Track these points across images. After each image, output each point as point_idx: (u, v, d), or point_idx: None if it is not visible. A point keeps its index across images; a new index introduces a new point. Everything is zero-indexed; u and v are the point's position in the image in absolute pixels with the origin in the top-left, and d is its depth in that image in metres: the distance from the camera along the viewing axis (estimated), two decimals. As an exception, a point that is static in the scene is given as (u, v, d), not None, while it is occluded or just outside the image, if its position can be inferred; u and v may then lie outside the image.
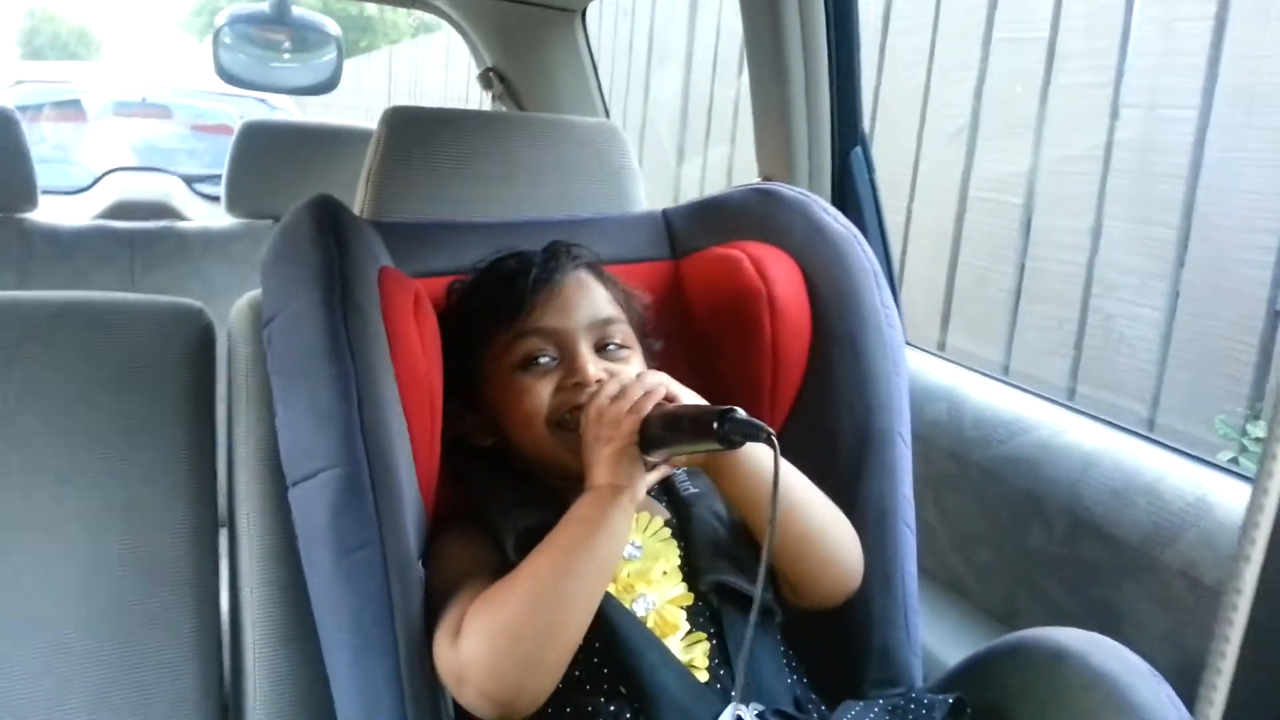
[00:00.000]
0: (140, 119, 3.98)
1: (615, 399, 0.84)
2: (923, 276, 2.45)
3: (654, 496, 0.96)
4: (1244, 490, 0.98)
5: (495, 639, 0.77)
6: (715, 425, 0.77)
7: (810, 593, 0.92)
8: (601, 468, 0.82)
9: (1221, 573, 0.93)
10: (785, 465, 0.90)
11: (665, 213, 1.19)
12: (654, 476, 0.85)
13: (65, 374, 0.96)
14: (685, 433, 0.81)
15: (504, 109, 2.02)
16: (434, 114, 1.11)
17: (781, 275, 1.05)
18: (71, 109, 3.90)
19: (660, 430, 0.81)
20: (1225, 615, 0.31)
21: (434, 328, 0.94)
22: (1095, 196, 2.06)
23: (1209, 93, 1.84)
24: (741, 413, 0.78)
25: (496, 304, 0.95)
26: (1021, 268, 2.23)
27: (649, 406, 0.82)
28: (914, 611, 0.99)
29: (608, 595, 0.85)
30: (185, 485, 0.98)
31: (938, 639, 1.18)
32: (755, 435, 0.77)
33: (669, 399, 0.84)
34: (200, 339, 1.01)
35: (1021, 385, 1.30)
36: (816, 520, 0.91)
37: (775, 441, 0.76)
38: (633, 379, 0.86)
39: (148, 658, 0.94)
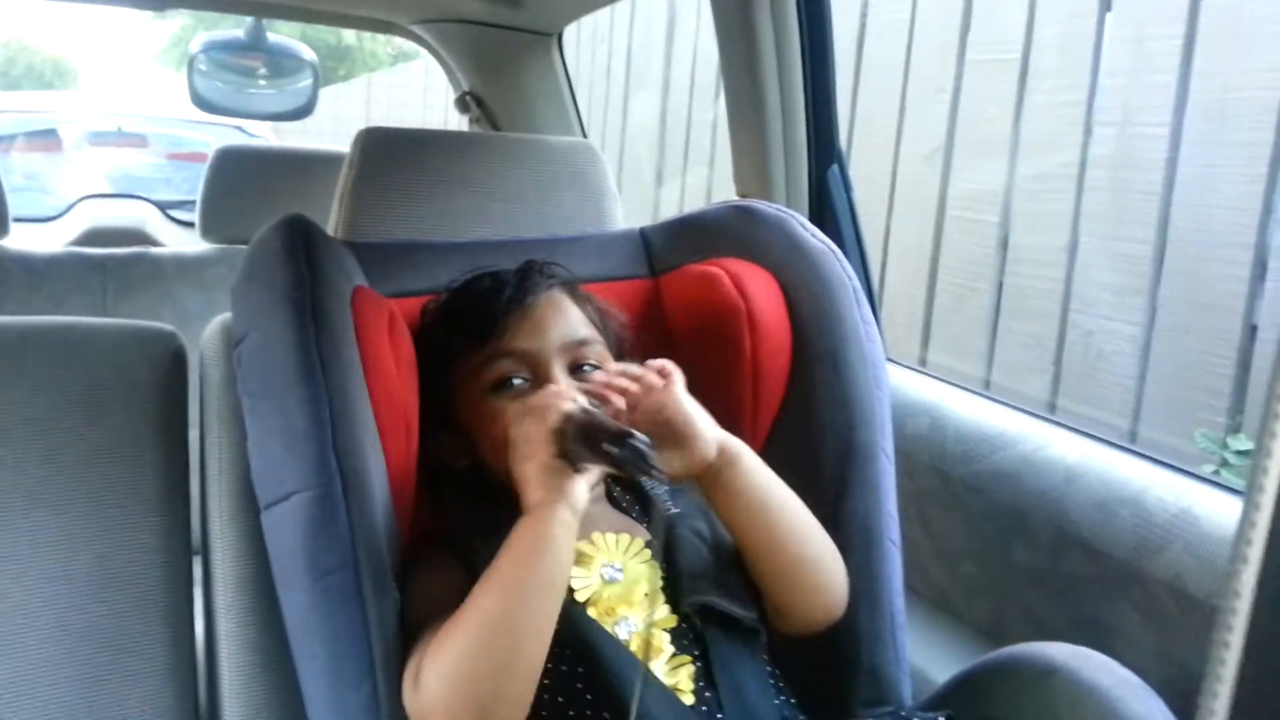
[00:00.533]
0: (116, 148, 3.96)
1: (525, 416, 0.82)
2: (903, 295, 2.46)
3: (635, 518, 0.95)
4: (1229, 501, 0.97)
5: (449, 682, 0.75)
6: (606, 445, 0.76)
7: (795, 619, 0.91)
8: (529, 485, 0.80)
9: (1209, 584, 0.92)
10: (781, 488, 0.89)
11: (643, 231, 1.19)
12: (590, 478, 0.82)
13: (34, 398, 0.94)
14: (590, 446, 0.78)
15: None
16: (408, 134, 1.11)
17: (761, 292, 1.04)
18: (46, 139, 3.87)
19: (573, 442, 0.79)
20: (1224, 622, 0.30)
21: (409, 348, 0.93)
22: (1071, 214, 2.07)
23: (1180, 110, 1.86)
24: (642, 440, 0.75)
25: (469, 325, 0.94)
26: (1000, 285, 2.24)
27: (553, 417, 0.80)
28: (901, 629, 0.98)
29: (589, 620, 0.84)
30: (158, 510, 0.96)
31: (925, 657, 1.16)
32: (643, 469, 0.75)
33: (585, 411, 0.81)
34: (171, 363, 1.00)
35: (1003, 400, 1.29)
36: (808, 551, 0.90)
37: (664, 478, 0.76)
38: (539, 393, 0.85)
39: (122, 683, 0.92)
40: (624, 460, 0.76)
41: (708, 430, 0.86)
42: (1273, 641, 0.29)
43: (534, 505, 0.79)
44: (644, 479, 0.83)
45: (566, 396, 0.82)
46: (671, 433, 0.84)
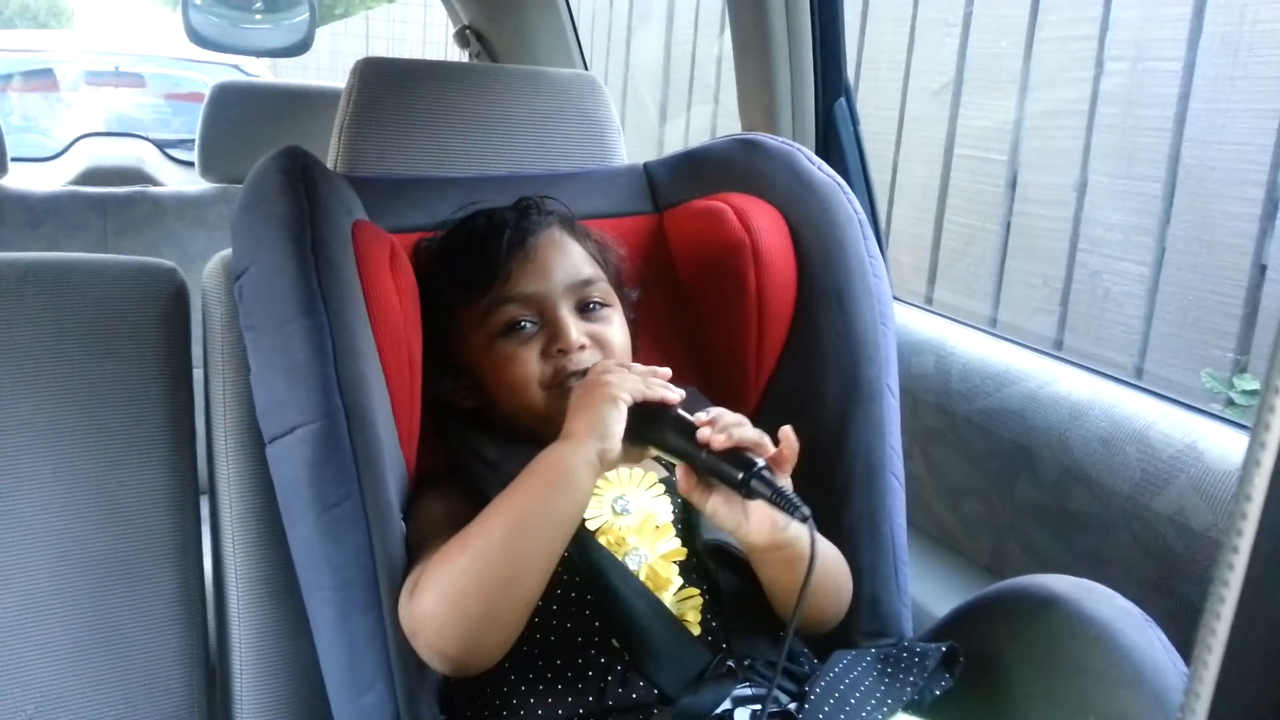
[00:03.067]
0: (113, 89, 3.91)
1: (624, 373, 0.82)
2: (909, 235, 2.43)
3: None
4: (1234, 436, 0.97)
5: (444, 597, 0.76)
6: (740, 477, 0.75)
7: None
8: (577, 413, 0.79)
9: (1212, 518, 0.93)
10: (823, 547, 0.85)
11: (647, 166, 1.17)
12: (645, 454, 0.81)
13: (36, 334, 0.94)
14: (683, 447, 0.78)
15: (482, 68, 1.98)
16: (407, 65, 1.08)
17: (766, 227, 1.03)
18: (42, 79, 3.82)
19: (669, 431, 0.79)
20: (1225, 559, 0.30)
21: (411, 283, 0.92)
22: (1080, 152, 2.04)
23: (1194, 43, 1.82)
24: (773, 475, 0.75)
25: (470, 271, 0.93)
26: (1008, 225, 2.22)
27: (653, 390, 0.80)
28: (903, 563, 0.99)
29: (599, 549, 0.84)
30: (163, 445, 0.96)
31: (927, 592, 1.17)
32: (789, 509, 0.74)
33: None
34: (173, 299, 0.99)
35: (1009, 336, 1.29)
36: (828, 603, 0.90)
37: (812, 522, 0.74)
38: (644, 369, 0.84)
39: (130, 616, 0.93)
40: (755, 493, 0.75)
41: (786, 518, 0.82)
42: (1273, 572, 0.29)
43: (570, 436, 0.79)
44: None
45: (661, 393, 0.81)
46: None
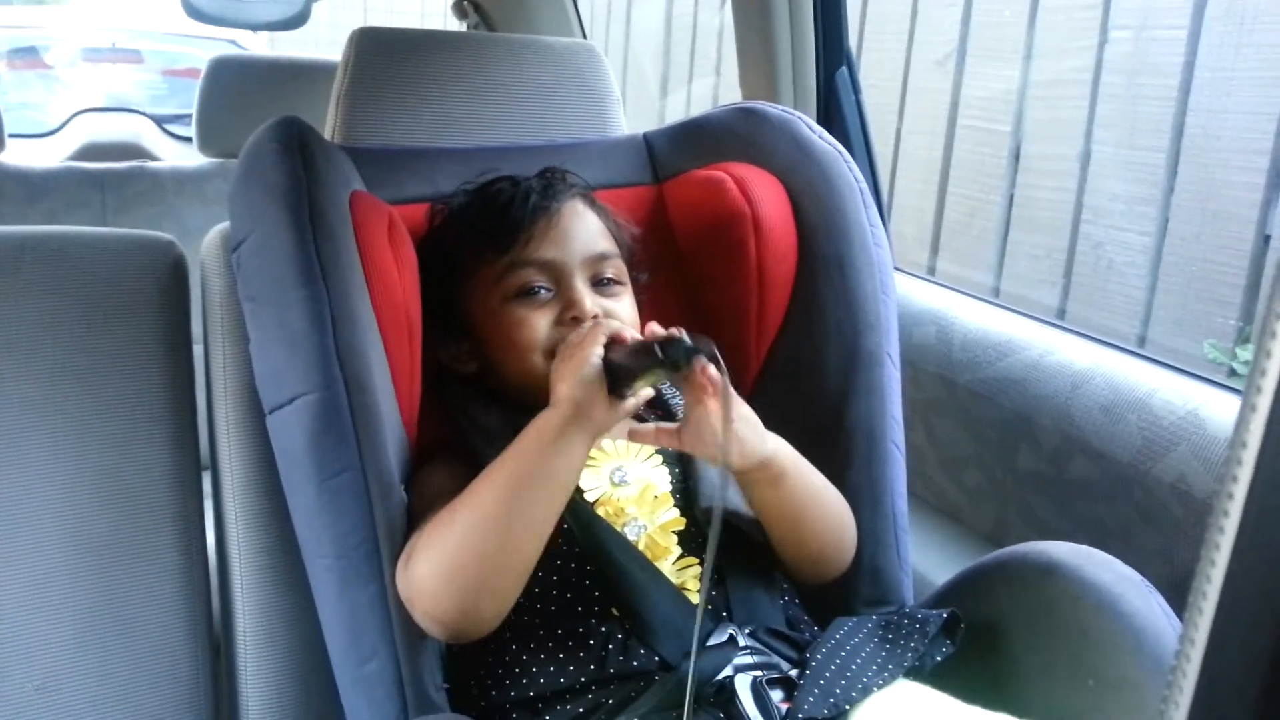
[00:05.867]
0: (110, 65, 3.88)
1: (580, 335, 0.82)
2: (912, 208, 2.42)
3: (648, 418, 0.95)
4: (1236, 402, 0.97)
5: (437, 567, 0.76)
6: (657, 349, 0.75)
7: (804, 578, 0.93)
8: (561, 381, 0.79)
9: (1212, 485, 0.93)
10: (820, 496, 0.89)
11: (647, 136, 1.16)
12: (628, 407, 0.80)
13: (33, 308, 0.94)
14: (635, 361, 0.78)
15: (481, 40, 1.96)
16: (404, 35, 1.08)
17: (766, 196, 1.02)
18: (38, 55, 3.79)
19: (618, 361, 0.79)
20: (1216, 523, 0.30)
21: (411, 254, 0.92)
22: (1084, 122, 2.03)
23: (1199, 12, 1.80)
24: (683, 335, 0.75)
25: (490, 231, 0.92)
26: (1011, 197, 2.21)
27: (602, 336, 0.79)
28: (903, 531, 0.99)
29: (598, 519, 0.84)
30: (164, 419, 0.96)
31: (928, 562, 1.18)
32: (696, 352, 0.74)
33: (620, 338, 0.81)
34: (172, 272, 0.99)
35: (1010, 306, 1.28)
36: (829, 543, 0.91)
37: (719, 356, 0.74)
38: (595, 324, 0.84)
39: (134, 591, 0.94)
40: (674, 357, 0.74)
41: (765, 432, 0.85)
42: (1262, 544, 0.29)
43: (558, 400, 0.78)
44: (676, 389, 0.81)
45: (614, 322, 0.82)
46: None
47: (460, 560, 0.75)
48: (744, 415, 0.84)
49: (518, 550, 0.76)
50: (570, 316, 0.89)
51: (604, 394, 0.78)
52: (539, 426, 0.78)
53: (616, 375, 0.78)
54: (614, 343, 0.80)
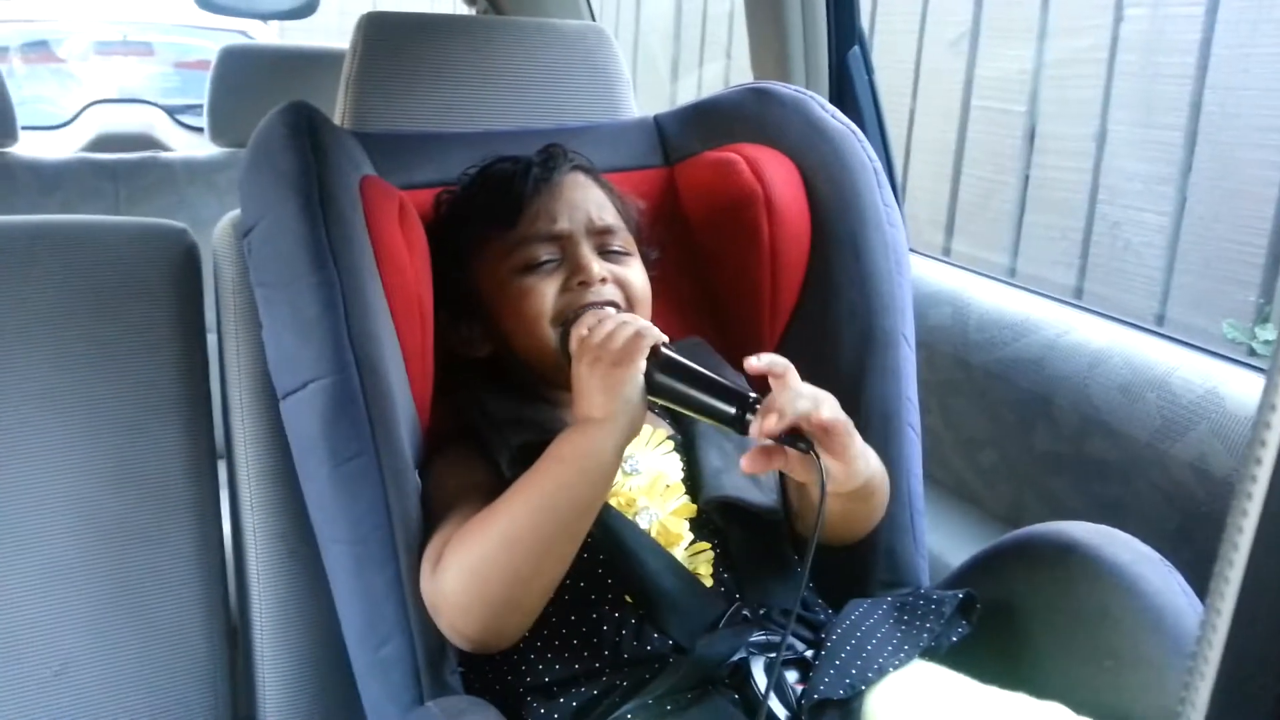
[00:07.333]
0: (122, 57, 3.89)
1: (615, 326, 0.80)
2: (926, 190, 2.40)
3: (656, 413, 0.94)
4: (1256, 380, 0.96)
5: (467, 579, 0.75)
6: (735, 410, 0.74)
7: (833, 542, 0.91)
8: (594, 393, 0.77)
9: (1233, 464, 0.92)
10: (872, 484, 0.84)
11: (657, 118, 1.15)
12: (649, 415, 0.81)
13: (47, 297, 0.94)
14: (695, 394, 0.76)
15: (490, 26, 1.95)
16: (413, 19, 1.07)
17: (779, 177, 1.02)
18: (50, 49, 3.80)
19: (669, 378, 0.77)
20: (1239, 504, 0.29)
21: (421, 238, 0.91)
22: (1100, 101, 2.00)
23: (1217, -13, 1.78)
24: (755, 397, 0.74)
25: (494, 208, 0.92)
26: (1026, 178, 2.19)
27: (645, 346, 0.78)
28: (919, 513, 0.98)
29: (610, 509, 0.84)
30: (179, 407, 0.96)
31: (944, 544, 1.17)
32: (792, 442, 0.74)
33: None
34: (184, 260, 0.99)
35: (1026, 286, 1.27)
36: (875, 521, 0.90)
37: (818, 453, 0.73)
38: (632, 316, 0.83)
39: (150, 577, 0.94)
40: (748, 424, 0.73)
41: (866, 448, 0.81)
42: None
43: (594, 419, 0.77)
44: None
45: (658, 334, 0.80)
46: (829, 442, 0.76)
47: (490, 579, 0.75)
48: (860, 452, 0.79)
49: (549, 570, 0.76)
50: (578, 282, 0.88)
51: (642, 404, 0.78)
52: (576, 448, 0.77)
53: (658, 389, 0.78)
54: (654, 353, 0.78)
